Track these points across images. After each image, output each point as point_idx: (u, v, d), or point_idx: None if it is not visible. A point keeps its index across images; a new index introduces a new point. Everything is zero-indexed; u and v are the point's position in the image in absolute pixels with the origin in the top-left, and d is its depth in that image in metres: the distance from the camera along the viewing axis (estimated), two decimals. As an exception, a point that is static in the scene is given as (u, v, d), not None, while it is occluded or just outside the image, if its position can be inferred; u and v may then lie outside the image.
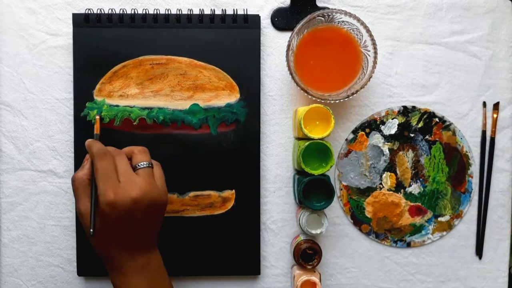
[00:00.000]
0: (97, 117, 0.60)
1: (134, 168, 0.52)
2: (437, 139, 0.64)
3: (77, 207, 0.51)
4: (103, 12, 0.61)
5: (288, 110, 0.64)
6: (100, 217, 0.50)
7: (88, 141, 0.54)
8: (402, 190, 0.64)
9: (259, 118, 0.62)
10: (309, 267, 0.60)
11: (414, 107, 0.64)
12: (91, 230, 0.49)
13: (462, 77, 0.64)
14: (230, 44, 0.62)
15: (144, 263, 0.52)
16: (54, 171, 0.63)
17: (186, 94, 0.62)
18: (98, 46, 0.61)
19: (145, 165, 0.52)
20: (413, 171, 0.64)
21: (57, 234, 0.64)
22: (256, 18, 0.62)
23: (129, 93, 0.62)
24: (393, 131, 0.64)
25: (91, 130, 0.61)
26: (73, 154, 0.63)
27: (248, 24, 0.62)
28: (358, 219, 0.64)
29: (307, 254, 0.60)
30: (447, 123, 0.64)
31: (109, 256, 0.51)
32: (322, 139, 0.58)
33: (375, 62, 0.58)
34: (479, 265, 0.65)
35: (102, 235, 0.50)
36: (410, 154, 0.64)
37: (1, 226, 0.64)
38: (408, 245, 0.65)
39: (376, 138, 0.64)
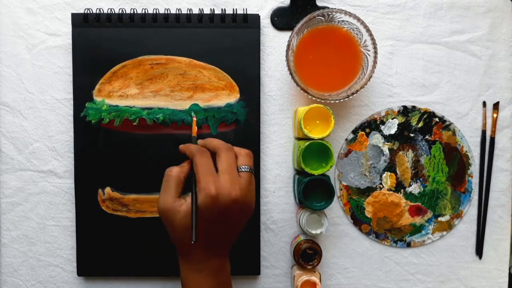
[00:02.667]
0: (194, 118, 0.60)
1: (237, 169, 0.52)
2: (437, 139, 0.64)
3: (161, 200, 0.50)
4: (102, 12, 0.61)
5: (288, 110, 0.64)
6: (200, 211, 0.49)
7: (184, 145, 0.55)
8: (402, 190, 0.64)
9: (259, 118, 0.62)
10: (309, 267, 0.60)
11: (414, 107, 0.64)
12: (194, 237, 0.49)
13: (462, 76, 0.64)
14: (230, 44, 0.62)
15: (219, 266, 0.52)
16: (54, 171, 0.63)
17: (186, 94, 0.62)
18: (97, 46, 0.61)
19: (247, 169, 0.52)
20: (413, 171, 0.64)
21: (57, 234, 0.64)
22: (256, 18, 0.62)
23: (128, 93, 0.62)
24: (393, 131, 0.64)
25: (91, 130, 0.61)
26: (73, 154, 0.63)
27: (247, 23, 0.62)
28: (358, 219, 0.64)
29: (307, 254, 0.60)
30: (447, 123, 0.64)
31: (189, 252, 0.51)
32: (322, 139, 0.58)
33: (375, 62, 0.57)
34: (479, 265, 0.65)
35: (189, 230, 0.50)
36: (410, 154, 0.64)
37: (1, 226, 0.64)
38: (408, 245, 0.65)
39: (376, 138, 0.64)
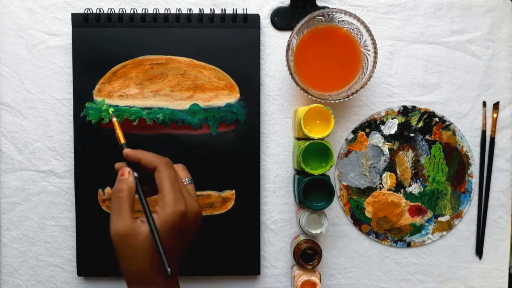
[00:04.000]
0: (114, 119, 0.54)
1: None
2: (437, 139, 0.64)
3: (117, 226, 0.44)
4: (102, 12, 0.61)
5: (288, 110, 0.64)
6: (163, 230, 0.44)
7: (130, 151, 0.48)
8: (402, 190, 0.64)
9: (259, 118, 0.62)
10: (309, 267, 0.60)
11: (414, 107, 0.64)
12: (168, 268, 0.43)
13: (462, 76, 0.64)
14: (230, 44, 0.62)
15: (167, 283, 0.46)
16: (54, 171, 0.63)
17: (186, 94, 0.62)
18: (97, 46, 0.61)
19: (190, 182, 0.50)
20: (413, 171, 0.64)
21: (57, 234, 0.64)
22: (256, 18, 0.62)
23: (128, 93, 0.62)
24: (393, 131, 0.64)
25: (91, 130, 0.61)
26: (73, 154, 0.63)
27: (247, 23, 0.62)
28: (358, 219, 0.64)
29: (307, 254, 0.60)
30: (447, 123, 0.64)
31: (148, 278, 0.45)
32: (322, 139, 0.58)
33: (375, 62, 0.57)
34: (479, 265, 0.65)
35: (152, 254, 0.44)
36: (410, 154, 0.64)
37: (1, 226, 0.64)
38: (408, 245, 0.65)
39: (376, 138, 0.64)
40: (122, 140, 0.51)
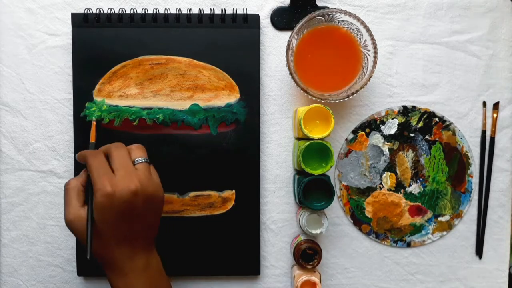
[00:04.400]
0: (93, 122, 0.59)
1: (132, 163, 0.52)
2: (437, 139, 0.64)
3: (65, 214, 0.49)
4: (102, 11, 0.61)
5: (288, 110, 0.64)
6: (97, 215, 0.48)
7: (79, 152, 0.53)
8: (402, 190, 0.64)
9: (259, 118, 0.62)
10: (309, 267, 0.60)
11: (414, 107, 0.64)
12: (88, 254, 0.47)
13: (462, 76, 0.64)
14: (230, 44, 0.62)
15: (144, 263, 0.51)
16: (54, 171, 0.63)
17: (186, 94, 0.62)
18: (97, 46, 0.61)
19: (143, 160, 0.52)
20: (413, 171, 0.64)
21: (57, 234, 0.64)
22: (256, 18, 0.62)
23: (128, 93, 0.62)
24: (393, 131, 0.64)
25: (90, 131, 0.61)
26: (73, 155, 0.63)
27: (247, 23, 0.62)
28: (358, 219, 0.64)
29: (307, 254, 0.60)
30: (447, 123, 0.64)
31: (108, 256, 0.50)
32: (322, 139, 0.58)
33: (375, 62, 0.57)
34: (479, 265, 0.65)
35: (100, 234, 0.49)
36: (410, 154, 0.64)
37: (1, 226, 0.64)
38: (408, 245, 0.65)
39: (376, 138, 0.64)
40: (92, 139, 0.58)
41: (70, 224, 0.49)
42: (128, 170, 0.50)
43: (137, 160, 0.52)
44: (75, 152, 0.62)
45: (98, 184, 0.48)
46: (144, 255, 0.51)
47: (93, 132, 0.59)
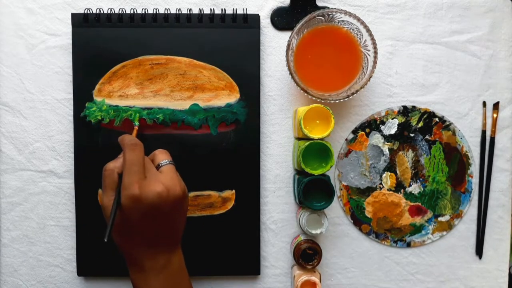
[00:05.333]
0: (136, 127, 0.60)
1: (157, 167, 0.52)
2: (437, 139, 0.64)
3: (101, 200, 0.50)
4: (102, 12, 0.61)
5: (288, 110, 0.64)
6: (123, 212, 0.48)
7: (121, 136, 0.53)
8: (402, 190, 0.64)
9: (259, 118, 0.62)
10: (309, 267, 0.60)
11: (414, 107, 0.64)
12: (106, 237, 0.47)
13: (462, 76, 0.64)
14: (230, 44, 0.62)
15: (165, 263, 0.51)
16: (54, 171, 0.63)
17: (186, 94, 0.62)
18: (97, 46, 0.61)
19: (167, 163, 0.52)
20: (413, 171, 0.64)
21: (57, 234, 0.64)
22: (256, 18, 0.62)
23: (128, 93, 0.62)
24: (393, 131, 0.64)
25: (91, 131, 0.61)
26: (73, 155, 0.63)
27: (247, 23, 0.62)
28: (358, 219, 0.64)
29: (307, 254, 0.60)
30: (447, 123, 0.64)
31: (130, 253, 0.50)
32: (322, 139, 0.58)
33: (375, 62, 0.57)
34: (479, 265, 0.65)
35: (124, 231, 0.49)
36: (410, 154, 0.64)
37: (1, 226, 0.64)
38: (408, 245, 0.65)
39: (376, 138, 0.64)
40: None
41: (103, 209, 0.50)
42: (153, 173, 0.50)
43: (162, 163, 0.52)
44: (75, 152, 0.62)
45: (127, 182, 0.48)
46: (166, 254, 0.51)
47: (135, 133, 0.59)
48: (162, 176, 0.50)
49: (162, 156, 0.53)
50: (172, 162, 0.53)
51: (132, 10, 0.62)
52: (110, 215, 0.48)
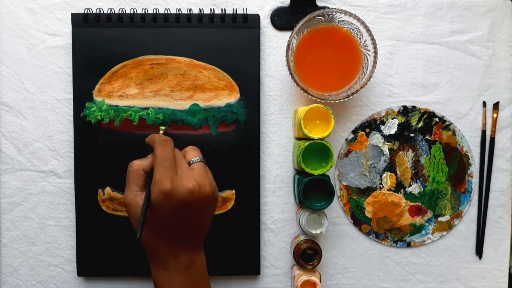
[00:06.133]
0: (161, 132, 0.60)
1: (188, 163, 0.51)
2: (437, 139, 0.64)
3: (124, 195, 0.50)
4: (102, 11, 0.61)
5: (288, 110, 0.64)
6: (152, 207, 0.48)
7: (151, 135, 0.54)
8: (402, 190, 0.64)
9: (259, 118, 0.62)
10: (309, 267, 0.60)
11: (414, 107, 0.64)
12: (139, 234, 0.47)
13: (462, 76, 0.64)
14: (230, 44, 0.62)
15: (188, 262, 0.50)
16: (54, 171, 0.63)
17: (186, 94, 0.62)
18: (97, 46, 0.61)
19: (198, 160, 0.52)
20: (413, 171, 0.64)
21: (57, 234, 0.64)
22: (256, 18, 0.62)
23: (128, 93, 0.62)
24: (393, 131, 0.64)
25: (91, 131, 0.61)
26: (73, 154, 0.63)
27: (247, 23, 0.62)
28: (358, 219, 0.64)
29: (307, 254, 0.60)
30: (447, 123, 0.64)
31: (154, 250, 0.50)
32: (322, 139, 0.58)
33: (375, 62, 0.57)
34: (479, 265, 0.65)
35: (151, 227, 0.49)
36: (410, 154, 0.64)
37: (1, 226, 0.64)
38: (408, 245, 0.65)
39: (376, 138, 0.64)
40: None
41: (126, 207, 0.50)
42: (184, 170, 0.50)
43: (193, 160, 0.52)
44: (75, 152, 0.62)
45: (158, 177, 0.47)
46: (189, 253, 0.51)
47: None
48: (193, 173, 0.50)
49: (194, 153, 0.52)
50: (203, 160, 0.52)
51: (132, 10, 0.62)
52: (141, 211, 0.48)
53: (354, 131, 0.64)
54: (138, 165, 0.51)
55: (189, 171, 0.50)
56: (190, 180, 0.48)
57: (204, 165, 0.52)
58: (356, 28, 0.58)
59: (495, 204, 0.65)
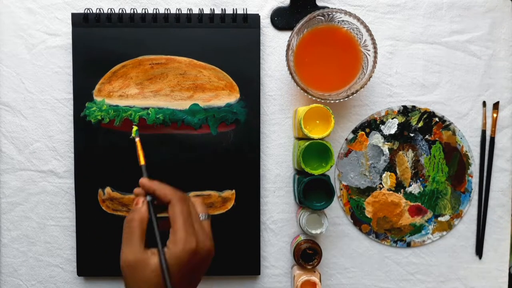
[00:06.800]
0: (137, 139, 0.51)
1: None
2: (437, 138, 0.64)
3: (127, 255, 0.44)
4: (102, 11, 0.61)
5: (288, 110, 0.64)
6: (173, 266, 0.44)
7: (146, 182, 0.48)
8: (402, 190, 0.64)
9: (259, 118, 0.62)
10: (309, 267, 0.60)
11: (414, 106, 0.64)
12: None
13: (462, 76, 0.64)
14: (230, 44, 0.62)
15: None
16: (54, 171, 0.63)
17: (186, 94, 0.62)
18: (97, 46, 0.61)
19: (206, 217, 0.49)
20: (413, 171, 0.64)
21: (57, 234, 0.64)
22: (256, 18, 0.62)
23: (128, 93, 0.62)
24: (393, 131, 0.64)
25: (91, 131, 0.61)
26: (73, 154, 0.63)
27: (247, 23, 0.62)
28: (358, 219, 0.64)
29: (307, 254, 0.60)
30: (447, 122, 0.64)
31: None
32: (322, 139, 0.58)
33: (375, 62, 0.57)
34: (479, 265, 0.65)
35: (156, 280, 0.44)
36: (410, 154, 0.64)
37: (1, 226, 0.64)
38: (408, 245, 0.65)
39: (376, 138, 0.64)
40: (142, 162, 0.50)
41: (129, 268, 0.44)
42: (201, 226, 0.47)
43: (203, 217, 0.49)
44: (75, 152, 0.62)
45: (184, 235, 0.44)
46: None
47: (140, 151, 0.51)
48: (207, 231, 0.48)
49: (202, 209, 0.49)
50: (210, 217, 0.50)
51: (132, 10, 0.62)
52: (161, 271, 0.43)
53: (354, 131, 0.64)
54: (140, 219, 0.46)
55: (204, 229, 0.47)
56: (207, 239, 0.47)
57: (209, 223, 0.49)
58: (356, 28, 0.58)
59: (495, 204, 0.65)
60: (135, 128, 0.52)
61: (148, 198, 0.47)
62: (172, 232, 0.45)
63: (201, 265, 0.47)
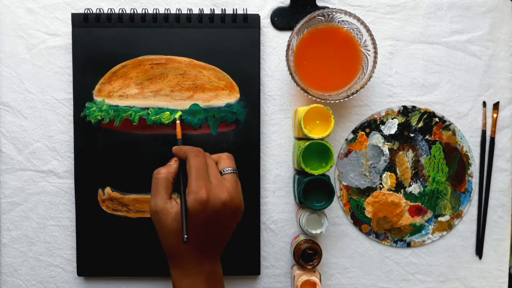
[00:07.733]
0: (178, 122, 0.60)
1: (221, 173, 0.51)
2: (437, 139, 0.64)
3: (152, 203, 0.50)
4: (102, 12, 0.61)
5: (288, 110, 0.64)
6: (189, 215, 0.48)
7: (178, 147, 0.54)
8: (402, 190, 0.64)
9: (259, 118, 0.62)
10: (309, 267, 0.60)
11: (414, 107, 0.64)
12: (185, 236, 0.48)
13: (462, 76, 0.64)
14: (230, 44, 0.62)
15: (210, 270, 0.51)
16: (54, 171, 0.63)
17: (186, 94, 0.62)
18: (97, 46, 0.61)
19: (231, 171, 0.52)
20: (413, 171, 0.64)
21: (57, 234, 0.64)
22: (256, 18, 0.62)
23: (128, 93, 0.62)
24: (393, 131, 0.64)
25: (91, 131, 0.61)
26: (73, 154, 0.63)
27: (247, 23, 0.62)
28: (358, 219, 0.64)
29: (307, 254, 0.60)
30: (447, 123, 0.64)
31: (180, 256, 0.50)
32: (322, 139, 0.58)
33: (375, 62, 0.57)
34: (479, 265, 0.65)
35: (181, 233, 0.49)
36: (410, 154, 0.64)
37: (1, 226, 0.64)
38: (408, 245, 0.65)
39: (376, 138, 0.64)
40: (179, 135, 0.60)
41: (155, 215, 0.50)
42: (218, 180, 0.50)
43: (226, 170, 0.52)
44: (75, 152, 0.62)
45: (194, 186, 0.48)
46: (212, 262, 0.51)
47: (179, 128, 0.60)
48: (226, 184, 0.50)
49: (227, 162, 0.52)
50: (236, 171, 0.52)
51: (132, 10, 0.62)
52: (181, 216, 0.49)
53: (354, 131, 0.64)
54: (166, 172, 0.51)
55: (222, 182, 0.50)
56: (224, 191, 0.49)
57: (236, 177, 0.52)
58: (356, 28, 0.58)
59: (495, 204, 0.65)
60: (179, 113, 0.61)
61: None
62: (188, 185, 0.48)
63: (221, 218, 0.49)
